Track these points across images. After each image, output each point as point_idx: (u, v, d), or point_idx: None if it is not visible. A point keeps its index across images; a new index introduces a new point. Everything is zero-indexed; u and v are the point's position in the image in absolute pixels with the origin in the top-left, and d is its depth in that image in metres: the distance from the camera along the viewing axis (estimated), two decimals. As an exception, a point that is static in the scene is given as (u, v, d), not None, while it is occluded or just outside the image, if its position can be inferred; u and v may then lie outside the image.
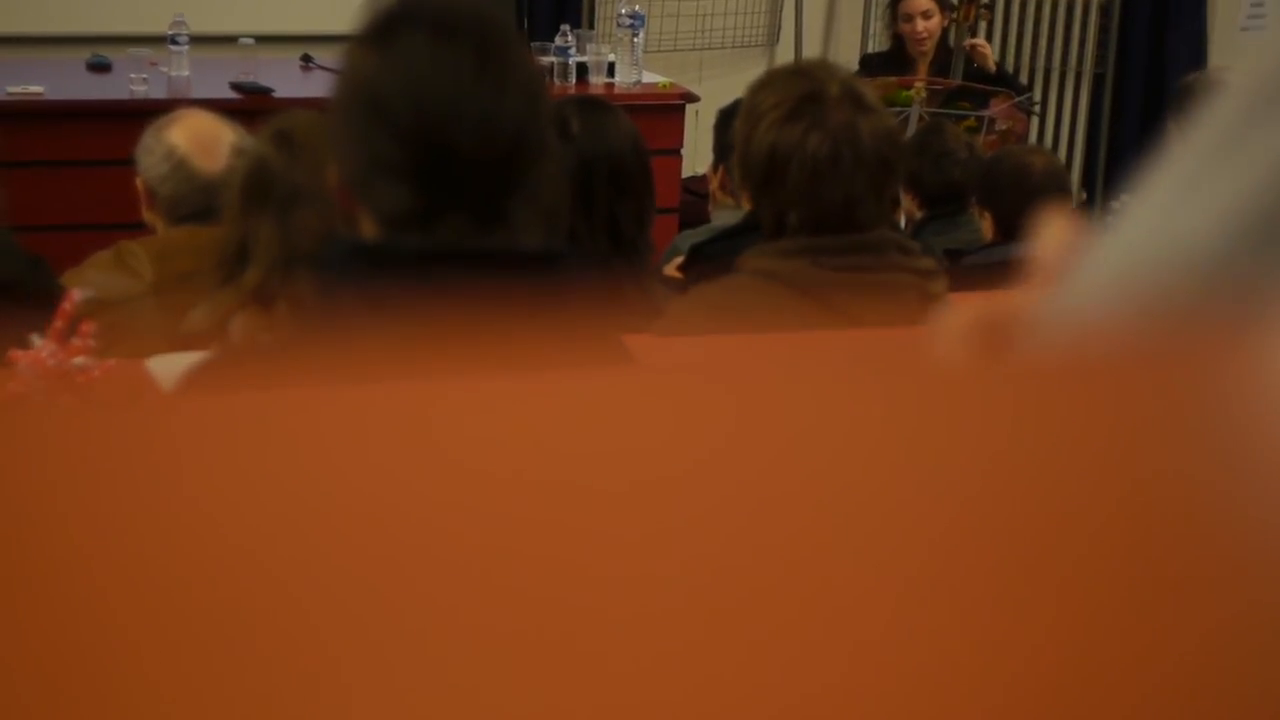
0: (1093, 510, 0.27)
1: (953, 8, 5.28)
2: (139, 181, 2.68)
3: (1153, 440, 0.30)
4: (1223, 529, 0.27)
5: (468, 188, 1.33)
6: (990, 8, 5.83)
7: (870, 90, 2.19)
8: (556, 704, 0.21)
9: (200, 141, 2.64)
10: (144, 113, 2.91)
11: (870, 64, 5.31)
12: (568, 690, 0.21)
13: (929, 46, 5.19)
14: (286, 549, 0.24)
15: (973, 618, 0.24)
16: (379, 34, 1.35)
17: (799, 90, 2.07)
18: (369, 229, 1.34)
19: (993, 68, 5.24)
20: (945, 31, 5.27)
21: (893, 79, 4.78)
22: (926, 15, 5.17)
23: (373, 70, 1.34)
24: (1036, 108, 6.10)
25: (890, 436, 0.29)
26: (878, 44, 5.94)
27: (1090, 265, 0.57)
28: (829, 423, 0.29)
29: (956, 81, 5.03)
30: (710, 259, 2.35)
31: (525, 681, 0.22)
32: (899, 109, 4.55)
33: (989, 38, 5.94)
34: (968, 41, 5.24)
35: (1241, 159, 0.53)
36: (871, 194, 2.06)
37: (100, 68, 4.87)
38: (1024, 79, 6.21)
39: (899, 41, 5.28)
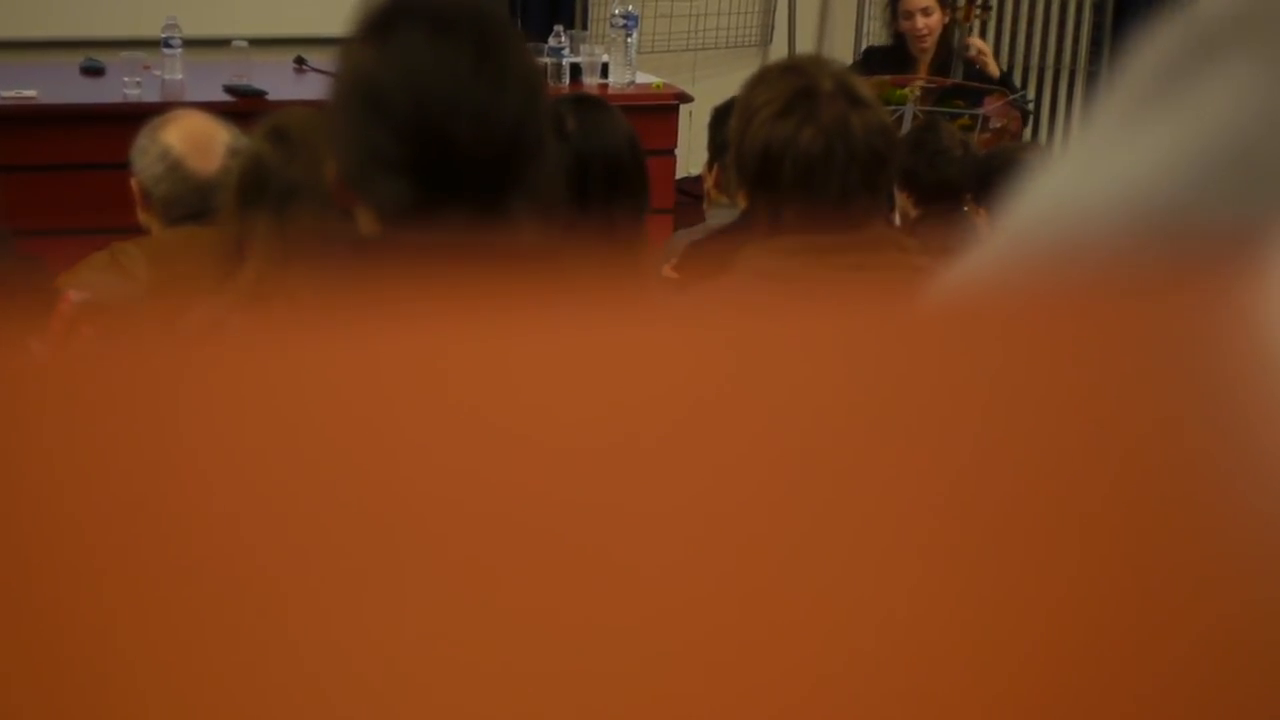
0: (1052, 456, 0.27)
1: (953, 6, 5.28)
2: (134, 182, 2.68)
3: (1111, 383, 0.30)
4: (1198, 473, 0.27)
5: (466, 182, 1.32)
6: (989, 8, 5.83)
7: (864, 85, 2.19)
8: (560, 672, 0.21)
9: (195, 142, 2.64)
10: (138, 116, 2.91)
11: (872, 57, 5.31)
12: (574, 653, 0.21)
13: (929, 44, 5.18)
14: (284, 511, 0.24)
15: (972, 608, 0.24)
16: (378, 29, 1.35)
17: (792, 86, 2.07)
18: (367, 224, 1.34)
19: (996, 72, 5.23)
20: (947, 30, 5.26)
21: (887, 78, 4.78)
22: (926, 12, 5.17)
23: (371, 64, 1.34)
24: (1031, 105, 6.11)
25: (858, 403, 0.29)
26: (871, 43, 5.95)
27: (1021, 207, 0.57)
28: (810, 391, 0.29)
29: (950, 80, 5.03)
30: (706, 259, 2.35)
31: (532, 657, 0.21)
32: (894, 107, 4.55)
33: (985, 36, 5.95)
34: (969, 39, 5.23)
35: (1180, 104, 0.53)
36: (865, 188, 2.06)
37: (94, 71, 4.86)
38: (1019, 77, 6.22)
39: (901, 39, 5.28)
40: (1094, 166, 0.55)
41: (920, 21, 5.17)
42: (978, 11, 5.31)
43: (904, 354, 0.32)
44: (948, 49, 5.25)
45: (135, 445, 0.26)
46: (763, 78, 2.15)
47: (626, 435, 0.27)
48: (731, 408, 0.28)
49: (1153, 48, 0.55)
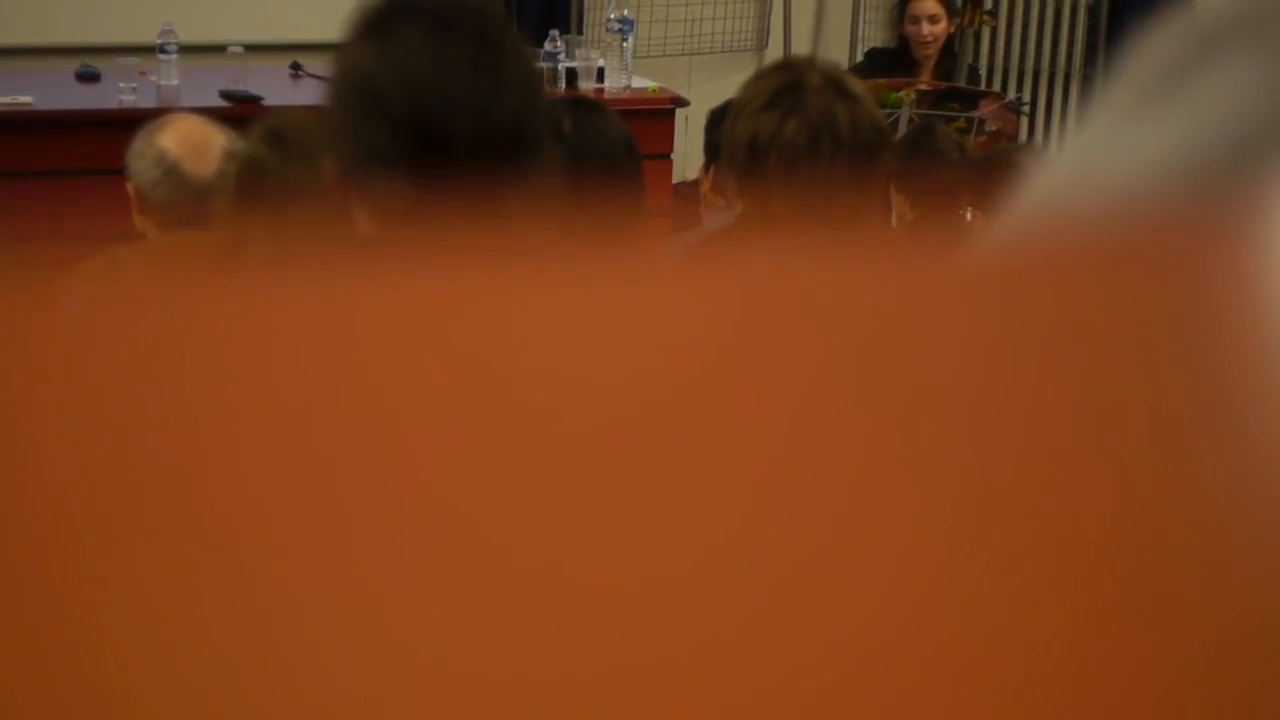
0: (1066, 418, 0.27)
1: (958, 13, 5.29)
2: (130, 186, 2.67)
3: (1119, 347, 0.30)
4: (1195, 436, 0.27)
5: (464, 180, 1.32)
6: (994, 14, 5.83)
7: (858, 83, 2.19)
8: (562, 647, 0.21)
9: (192, 145, 2.64)
10: (134, 121, 2.90)
11: (875, 57, 5.31)
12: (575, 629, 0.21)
13: (933, 51, 5.19)
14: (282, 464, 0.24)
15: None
16: (376, 27, 1.35)
17: (780, 80, 2.07)
18: (364, 222, 1.34)
19: None
20: (950, 37, 5.27)
21: (882, 81, 4.79)
22: (934, 20, 5.18)
23: (370, 62, 1.34)
24: (1026, 108, 6.11)
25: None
26: (866, 48, 5.96)
27: (1018, 204, 0.57)
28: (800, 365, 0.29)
29: (944, 83, 5.04)
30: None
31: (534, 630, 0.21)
32: (889, 110, 4.55)
33: (983, 40, 5.96)
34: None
35: (1179, 103, 0.53)
36: (854, 181, 2.04)
37: (89, 77, 4.86)
38: (1014, 80, 6.23)
39: (905, 41, 5.28)
40: (1091, 164, 0.55)
41: (926, 29, 5.17)
42: (983, 18, 5.32)
43: (908, 325, 0.32)
44: (951, 55, 5.26)
45: (129, 409, 0.26)
46: (756, 76, 2.16)
47: (631, 399, 0.27)
48: (738, 369, 0.28)
49: (1152, 47, 0.55)
